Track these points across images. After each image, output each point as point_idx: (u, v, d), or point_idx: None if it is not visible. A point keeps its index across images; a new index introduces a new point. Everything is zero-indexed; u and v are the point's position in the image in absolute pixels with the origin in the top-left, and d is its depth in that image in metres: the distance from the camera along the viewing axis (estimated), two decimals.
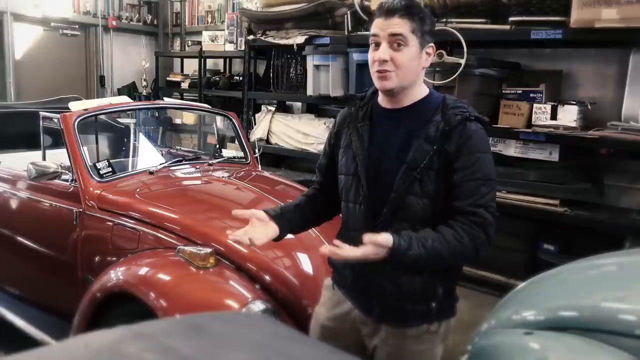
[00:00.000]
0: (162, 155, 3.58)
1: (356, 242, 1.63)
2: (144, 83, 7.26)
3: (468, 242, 1.54)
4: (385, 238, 1.49)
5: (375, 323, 1.70)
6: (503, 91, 3.93)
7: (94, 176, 2.75)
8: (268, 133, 5.39)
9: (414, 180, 1.57)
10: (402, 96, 1.65)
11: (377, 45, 1.60)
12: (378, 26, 1.59)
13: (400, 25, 1.56)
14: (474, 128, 1.59)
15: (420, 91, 1.68)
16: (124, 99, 3.54)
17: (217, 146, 3.84)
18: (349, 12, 4.56)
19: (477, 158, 1.58)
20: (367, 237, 1.48)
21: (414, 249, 1.50)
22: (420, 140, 1.58)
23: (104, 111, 3.17)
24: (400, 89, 1.62)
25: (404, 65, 1.58)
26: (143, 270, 2.26)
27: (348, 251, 1.50)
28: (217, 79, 6.43)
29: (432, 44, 1.64)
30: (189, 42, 7.36)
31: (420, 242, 1.52)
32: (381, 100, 1.71)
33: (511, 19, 3.78)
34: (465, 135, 1.57)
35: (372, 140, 1.67)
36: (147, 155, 3.55)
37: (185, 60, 7.55)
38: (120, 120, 4.21)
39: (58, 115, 2.83)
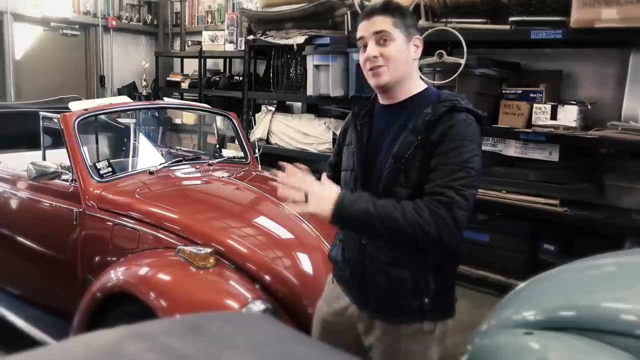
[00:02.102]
0: (162, 155, 3.58)
1: (350, 235, 1.74)
2: (144, 83, 7.26)
3: (428, 216, 1.48)
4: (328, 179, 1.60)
5: (369, 318, 1.71)
6: (503, 91, 3.93)
7: (94, 176, 2.75)
8: (268, 133, 5.39)
9: (400, 172, 1.60)
10: (397, 91, 1.69)
11: (366, 46, 1.66)
12: (362, 28, 1.67)
13: (381, 22, 1.64)
14: (462, 117, 1.57)
15: (415, 86, 1.71)
16: (124, 99, 3.54)
17: (217, 146, 3.83)
18: (349, 12, 4.56)
19: (457, 144, 1.54)
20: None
21: (362, 203, 1.52)
22: (407, 132, 1.62)
23: (104, 111, 3.17)
24: (394, 82, 1.66)
25: (393, 57, 1.63)
26: (143, 270, 2.26)
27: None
28: (217, 79, 6.43)
29: (418, 36, 1.70)
30: (189, 42, 7.36)
31: (371, 199, 1.54)
32: (379, 97, 1.76)
33: (511, 19, 3.78)
34: (450, 123, 1.56)
35: (370, 137, 1.73)
36: (147, 155, 3.55)
37: (185, 60, 7.55)
38: (120, 120, 4.21)
39: (58, 115, 2.83)
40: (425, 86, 1.73)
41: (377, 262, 1.65)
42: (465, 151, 1.54)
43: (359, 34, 1.68)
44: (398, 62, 1.64)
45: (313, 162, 4.47)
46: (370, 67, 1.65)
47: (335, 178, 1.89)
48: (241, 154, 3.54)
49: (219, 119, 4.16)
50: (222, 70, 6.96)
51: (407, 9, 1.74)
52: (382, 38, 1.63)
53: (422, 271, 1.64)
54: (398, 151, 1.61)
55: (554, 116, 3.64)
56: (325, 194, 1.55)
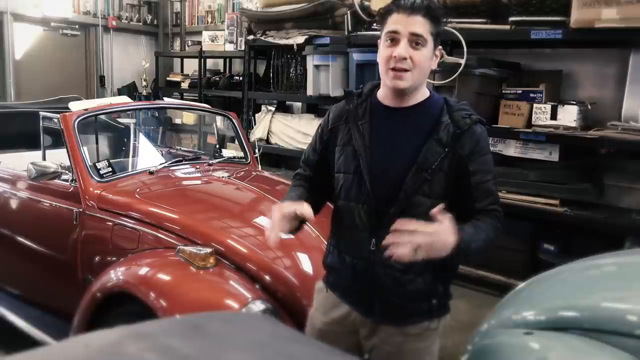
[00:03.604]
0: (162, 155, 3.58)
1: (356, 241, 1.67)
2: (144, 83, 7.26)
3: (498, 233, 1.61)
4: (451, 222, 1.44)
5: (375, 324, 1.69)
6: (503, 91, 3.93)
7: (94, 176, 2.74)
8: (268, 133, 5.39)
9: (425, 181, 1.58)
10: (410, 96, 1.64)
11: (394, 41, 1.57)
12: (399, 22, 1.56)
13: (422, 25, 1.55)
14: (480, 130, 1.63)
15: (424, 92, 1.68)
16: (124, 99, 3.54)
17: (217, 146, 3.83)
18: (349, 12, 4.56)
19: (486, 159, 1.64)
20: (440, 215, 1.43)
21: (476, 242, 1.52)
22: (432, 142, 1.59)
23: (104, 111, 3.17)
24: (412, 89, 1.62)
25: (420, 64, 1.57)
26: (143, 270, 2.26)
27: (423, 227, 1.41)
28: (217, 79, 6.44)
29: (440, 47, 1.65)
30: (189, 42, 7.37)
31: (477, 235, 1.53)
32: (383, 98, 1.69)
33: (511, 19, 3.79)
34: (475, 138, 1.61)
35: (374, 138, 1.66)
36: (147, 155, 3.55)
37: (185, 60, 7.55)
38: (120, 120, 4.21)
39: (58, 115, 2.83)
40: (429, 92, 1.70)
41: (388, 269, 1.61)
42: (491, 164, 1.66)
43: (392, 27, 1.56)
44: (422, 70, 1.59)
45: None
46: (394, 67, 1.56)
47: (313, 178, 1.82)
48: (241, 154, 3.54)
49: (219, 119, 4.16)
50: (222, 70, 6.96)
51: (444, 14, 1.64)
52: (416, 41, 1.55)
53: (433, 275, 1.63)
54: (424, 161, 1.58)
55: (554, 116, 3.64)
56: (447, 242, 1.43)
